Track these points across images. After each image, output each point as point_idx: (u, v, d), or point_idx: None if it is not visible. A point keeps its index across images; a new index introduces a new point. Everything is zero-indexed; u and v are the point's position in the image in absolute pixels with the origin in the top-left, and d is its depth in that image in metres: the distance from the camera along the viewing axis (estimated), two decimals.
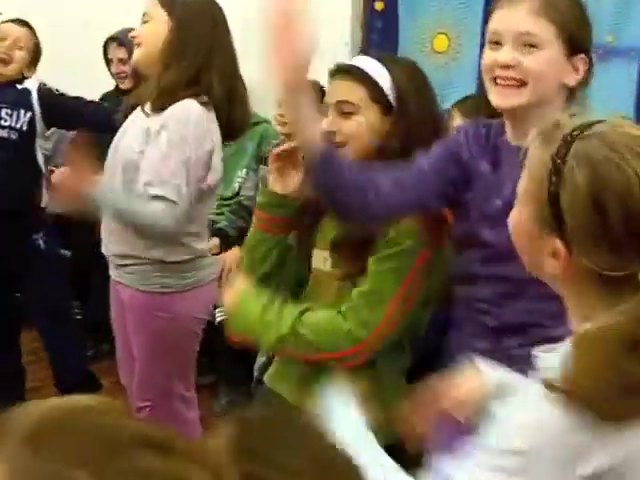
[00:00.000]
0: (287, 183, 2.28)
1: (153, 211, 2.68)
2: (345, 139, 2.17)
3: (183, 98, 2.76)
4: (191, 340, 2.98)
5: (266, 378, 2.42)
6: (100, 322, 4.48)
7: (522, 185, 1.45)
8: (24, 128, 3.73)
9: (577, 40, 1.98)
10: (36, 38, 3.88)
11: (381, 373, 2.20)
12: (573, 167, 1.33)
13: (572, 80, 1.99)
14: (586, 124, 1.37)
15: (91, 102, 4.01)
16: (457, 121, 3.86)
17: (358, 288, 2.13)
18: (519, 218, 1.45)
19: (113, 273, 2.98)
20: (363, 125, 2.17)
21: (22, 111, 3.73)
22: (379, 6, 4.56)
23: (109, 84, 5.00)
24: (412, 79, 2.21)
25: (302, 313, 2.16)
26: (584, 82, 2.02)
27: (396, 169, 2.07)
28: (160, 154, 2.71)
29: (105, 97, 5.04)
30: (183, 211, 2.72)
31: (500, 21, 2.02)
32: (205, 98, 2.79)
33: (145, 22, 2.92)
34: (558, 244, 1.36)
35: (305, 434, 1.10)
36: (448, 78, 4.43)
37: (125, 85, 4.92)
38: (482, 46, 2.08)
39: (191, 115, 2.74)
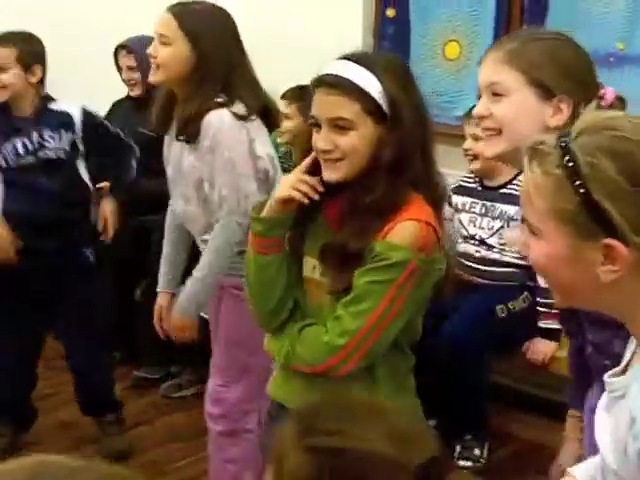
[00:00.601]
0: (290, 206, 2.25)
1: (217, 244, 3.04)
2: (343, 155, 2.14)
3: (211, 110, 2.97)
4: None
5: (273, 392, 2.43)
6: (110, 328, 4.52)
7: (532, 216, 1.43)
8: (67, 148, 3.79)
9: (551, 83, 2.00)
10: (25, 45, 3.82)
11: (380, 378, 2.22)
12: (591, 162, 1.35)
13: (555, 121, 2.00)
14: (566, 128, 1.44)
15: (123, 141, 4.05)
16: (471, 129, 3.87)
17: (343, 299, 2.15)
18: (547, 251, 1.42)
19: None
20: (359, 139, 2.13)
21: (63, 131, 3.77)
22: (391, 13, 4.55)
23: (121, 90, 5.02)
24: (400, 81, 2.16)
25: (300, 330, 2.21)
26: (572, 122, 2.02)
27: None
28: (206, 163, 2.99)
29: (117, 104, 5.07)
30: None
31: (479, 75, 2.08)
32: (238, 108, 3.00)
33: (163, 43, 3.01)
34: (609, 241, 1.34)
35: (369, 408, 1.13)
36: (459, 85, 4.42)
37: (135, 92, 4.94)
38: None
39: (224, 122, 2.95)
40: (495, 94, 2.02)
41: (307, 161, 2.21)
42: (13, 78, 3.75)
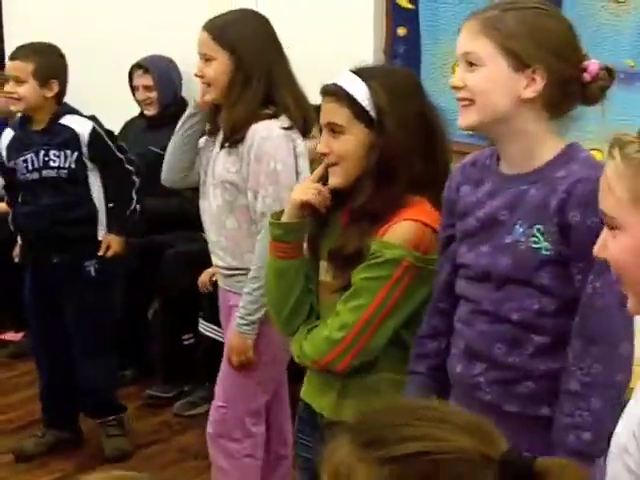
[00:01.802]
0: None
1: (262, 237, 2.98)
2: (337, 159, 2.26)
3: (259, 120, 3.02)
4: (281, 355, 3.09)
5: (302, 393, 2.49)
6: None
7: (613, 207, 1.42)
8: (72, 166, 3.82)
9: (525, 53, 1.98)
10: (43, 59, 3.85)
11: (382, 373, 2.29)
12: None
13: (529, 93, 1.99)
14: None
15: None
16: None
17: (342, 297, 2.25)
18: (631, 244, 1.40)
19: (223, 282, 3.26)
20: (351, 144, 2.24)
21: (69, 151, 3.81)
22: (402, 31, 4.57)
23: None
24: (392, 89, 2.25)
25: (310, 330, 2.31)
26: (554, 97, 2.00)
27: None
28: (251, 172, 3.02)
29: (130, 123, 5.09)
30: None
31: (457, 45, 2.08)
32: (284, 119, 3.05)
33: (206, 61, 3.08)
34: None
35: (427, 408, 1.10)
36: None
37: (151, 112, 4.96)
38: None
39: (272, 132, 3.01)
40: (470, 63, 2.02)
41: (319, 170, 2.32)
42: (28, 91, 3.79)
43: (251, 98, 3.02)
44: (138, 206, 3.99)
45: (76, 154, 3.81)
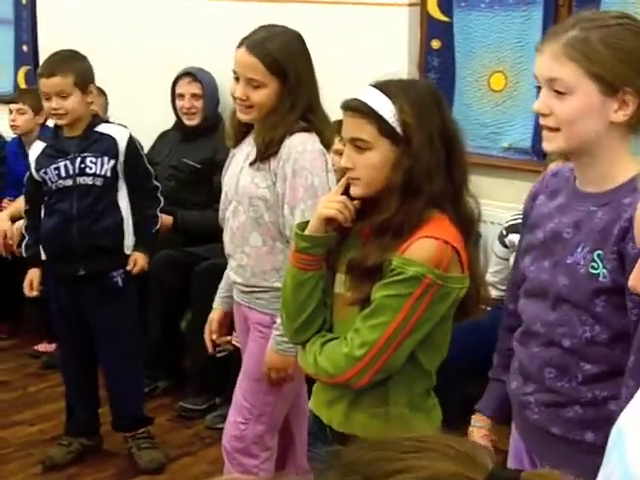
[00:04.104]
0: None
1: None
2: (360, 174, 2.26)
3: (293, 134, 3.01)
4: (298, 373, 3.07)
5: (311, 404, 2.50)
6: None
7: None
8: (107, 174, 3.81)
9: (615, 77, 1.92)
10: (79, 67, 3.84)
11: (393, 394, 2.29)
12: None
13: (619, 117, 1.95)
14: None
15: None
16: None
17: (362, 313, 2.24)
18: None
19: (240, 297, 3.21)
20: (376, 160, 2.24)
21: (106, 158, 3.79)
22: (436, 44, 4.56)
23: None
24: (418, 105, 2.24)
25: (324, 343, 2.31)
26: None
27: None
28: (288, 186, 2.99)
29: (164, 134, 5.11)
30: None
31: (536, 66, 2.03)
32: (314, 135, 3.05)
33: (254, 87, 3.02)
34: None
35: (413, 439, 1.07)
36: (505, 117, 4.41)
37: (193, 122, 4.96)
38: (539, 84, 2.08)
39: (307, 145, 3.00)
40: (556, 91, 1.96)
41: (343, 181, 2.32)
42: (74, 103, 3.77)
43: (292, 120, 3.02)
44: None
45: (112, 162, 3.80)
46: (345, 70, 4.34)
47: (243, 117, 3.09)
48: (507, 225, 4.03)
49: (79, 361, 4.03)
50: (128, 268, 3.90)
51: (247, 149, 3.13)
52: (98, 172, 3.80)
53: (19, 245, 4.96)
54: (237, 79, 3.06)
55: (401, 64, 4.47)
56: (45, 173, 3.85)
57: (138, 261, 3.92)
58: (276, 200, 3.04)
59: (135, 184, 3.91)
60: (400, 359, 2.24)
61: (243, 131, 3.17)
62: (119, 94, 5.24)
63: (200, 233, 4.76)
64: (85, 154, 3.80)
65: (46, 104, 3.83)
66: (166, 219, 4.50)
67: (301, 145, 3.00)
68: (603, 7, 3.98)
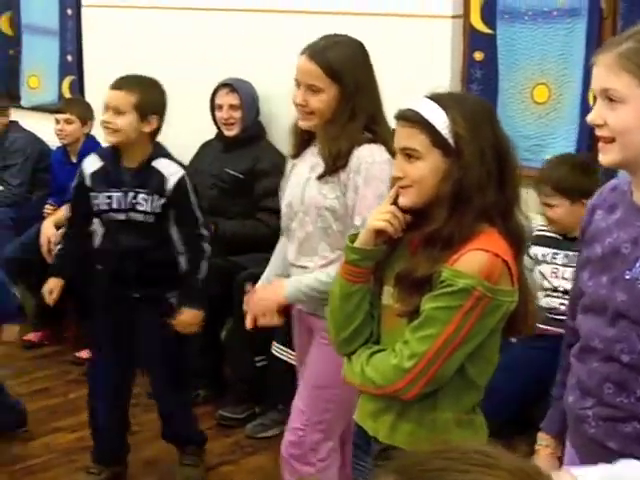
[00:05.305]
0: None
1: None
2: (411, 183, 2.27)
3: (360, 145, 3.02)
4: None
5: (355, 415, 2.50)
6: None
7: None
8: (158, 211, 3.73)
9: None
10: (146, 93, 3.76)
11: (441, 407, 2.29)
12: None
13: None
14: None
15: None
16: (542, 198, 3.87)
17: (411, 324, 2.24)
18: None
19: (305, 305, 3.21)
20: (427, 170, 2.25)
21: (156, 196, 3.72)
22: (479, 56, 4.55)
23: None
24: (471, 118, 2.25)
25: (371, 355, 2.31)
26: None
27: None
28: (359, 197, 3.00)
29: (206, 145, 5.14)
30: None
31: (592, 78, 2.03)
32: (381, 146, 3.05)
33: (313, 92, 3.06)
34: None
35: (476, 452, 1.06)
36: (548, 129, 4.39)
37: (232, 132, 4.99)
38: (583, 96, 2.08)
39: (375, 156, 3.01)
40: (610, 100, 1.97)
41: (392, 192, 2.33)
42: (127, 124, 3.68)
43: (354, 131, 3.03)
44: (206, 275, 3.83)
45: (163, 200, 3.72)
46: (388, 81, 4.34)
47: (304, 124, 3.12)
48: (531, 237, 4.03)
49: (118, 376, 3.96)
50: (175, 323, 3.77)
51: (311, 160, 3.14)
52: (149, 210, 3.72)
53: None
54: (298, 86, 3.11)
55: (444, 76, 4.47)
56: (96, 197, 3.80)
57: (183, 320, 3.79)
58: (345, 211, 3.06)
59: (179, 224, 3.80)
60: (449, 371, 2.24)
61: (305, 139, 3.18)
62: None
63: (240, 242, 4.79)
64: (138, 190, 3.72)
65: (103, 115, 3.77)
66: None
67: (370, 156, 3.01)
68: None
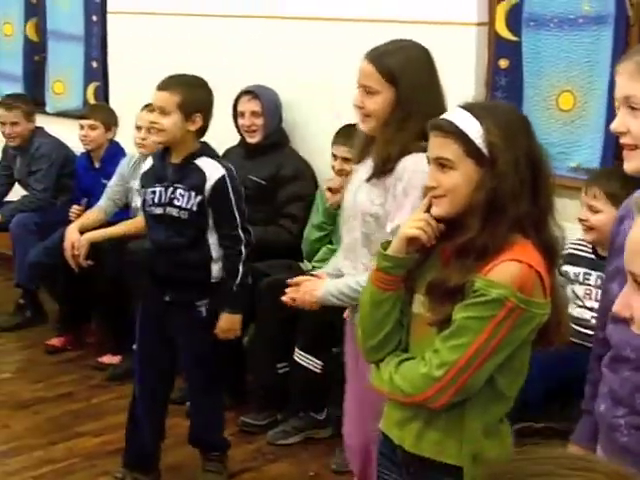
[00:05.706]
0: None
1: None
2: (444, 192, 2.26)
3: (411, 153, 2.99)
4: None
5: (381, 424, 2.48)
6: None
7: None
8: (194, 209, 3.75)
9: None
10: (190, 92, 3.78)
11: (469, 416, 2.27)
12: None
13: None
14: None
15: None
16: (588, 200, 3.81)
17: (442, 333, 2.23)
18: None
19: (353, 316, 3.18)
20: (460, 179, 2.24)
21: (193, 193, 3.74)
22: (503, 63, 4.54)
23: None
24: (505, 128, 2.24)
25: (399, 363, 2.31)
26: None
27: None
28: (396, 205, 3.00)
29: (230, 151, 5.14)
30: None
31: (615, 86, 2.04)
32: None
33: (369, 93, 3.06)
34: None
35: (570, 458, 1.04)
36: (573, 136, 4.37)
37: (254, 139, 5.00)
38: (609, 104, 2.08)
39: (419, 166, 2.92)
40: (632, 108, 1.97)
41: (426, 201, 2.32)
42: (172, 124, 3.73)
43: (407, 136, 3.00)
44: (248, 279, 3.87)
45: (199, 198, 3.73)
46: None
47: (362, 126, 3.13)
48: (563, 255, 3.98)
49: (158, 380, 3.96)
50: (215, 331, 3.83)
51: (370, 165, 3.12)
52: (184, 205, 3.75)
53: (87, 257, 5.05)
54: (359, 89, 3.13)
55: (468, 83, 4.46)
56: (145, 194, 3.86)
57: (221, 326, 3.84)
58: (386, 218, 3.06)
59: (217, 225, 3.81)
60: (479, 381, 2.22)
61: (367, 143, 3.17)
62: None
63: (262, 249, 4.78)
64: (177, 185, 3.76)
65: (150, 116, 3.83)
66: None
67: (414, 165, 2.96)
68: None
